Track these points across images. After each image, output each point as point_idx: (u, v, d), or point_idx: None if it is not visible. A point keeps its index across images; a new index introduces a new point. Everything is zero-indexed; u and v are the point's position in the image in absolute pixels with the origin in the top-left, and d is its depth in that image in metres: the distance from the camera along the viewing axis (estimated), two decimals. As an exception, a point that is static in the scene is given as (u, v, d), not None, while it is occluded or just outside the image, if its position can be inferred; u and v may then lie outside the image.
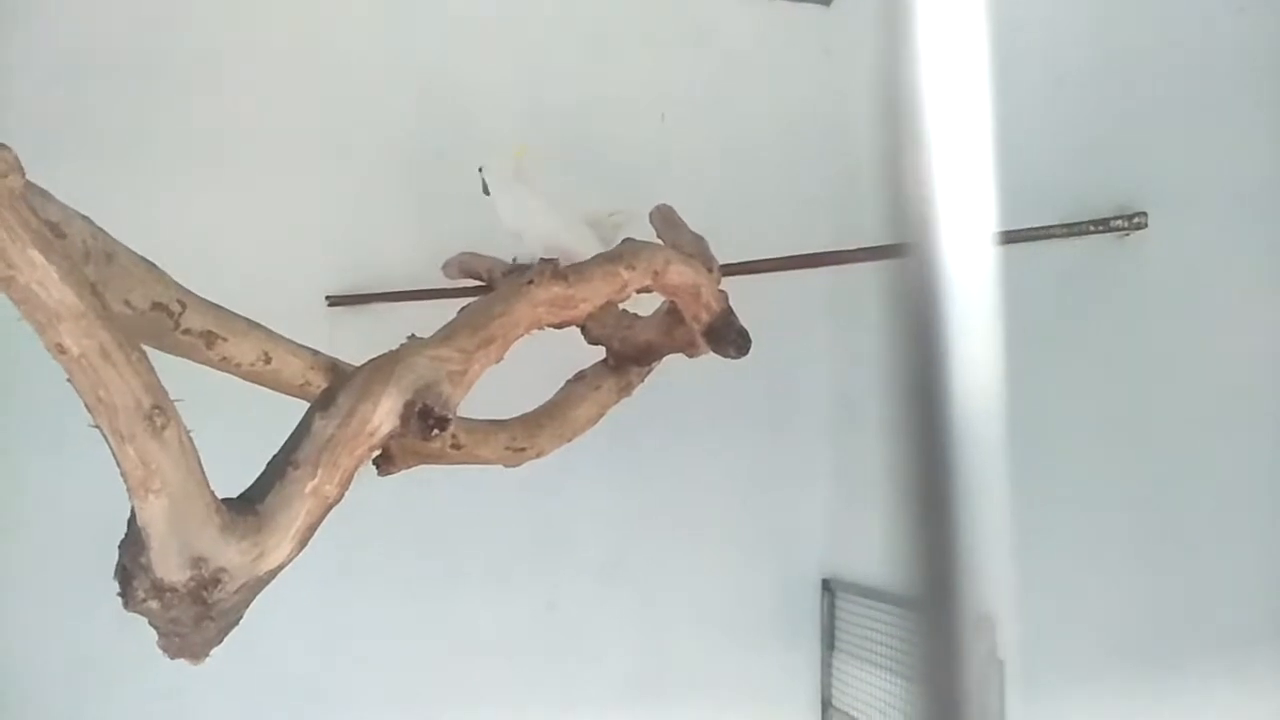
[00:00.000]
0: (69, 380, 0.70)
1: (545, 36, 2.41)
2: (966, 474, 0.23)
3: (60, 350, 0.67)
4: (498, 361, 0.96)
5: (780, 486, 2.39)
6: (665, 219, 1.51)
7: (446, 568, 2.29)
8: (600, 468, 2.23)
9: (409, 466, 1.29)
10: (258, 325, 1.08)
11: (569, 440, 1.45)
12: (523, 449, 1.38)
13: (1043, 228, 1.87)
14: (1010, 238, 1.93)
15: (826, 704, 2.47)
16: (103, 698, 2.09)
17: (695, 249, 1.43)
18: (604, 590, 2.35)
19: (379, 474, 1.24)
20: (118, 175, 2.12)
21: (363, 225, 2.33)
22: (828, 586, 2.46)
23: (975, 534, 0.25)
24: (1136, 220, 1.83)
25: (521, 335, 1.00)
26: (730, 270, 1.61)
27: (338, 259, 2.33)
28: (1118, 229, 1.82)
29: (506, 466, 1.42)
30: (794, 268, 1.91)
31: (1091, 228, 1.83)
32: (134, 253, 0.91)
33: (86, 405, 0.70)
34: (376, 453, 0.99)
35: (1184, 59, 1.70)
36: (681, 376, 1.70)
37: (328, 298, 2.29)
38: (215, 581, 0.73)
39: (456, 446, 1.31)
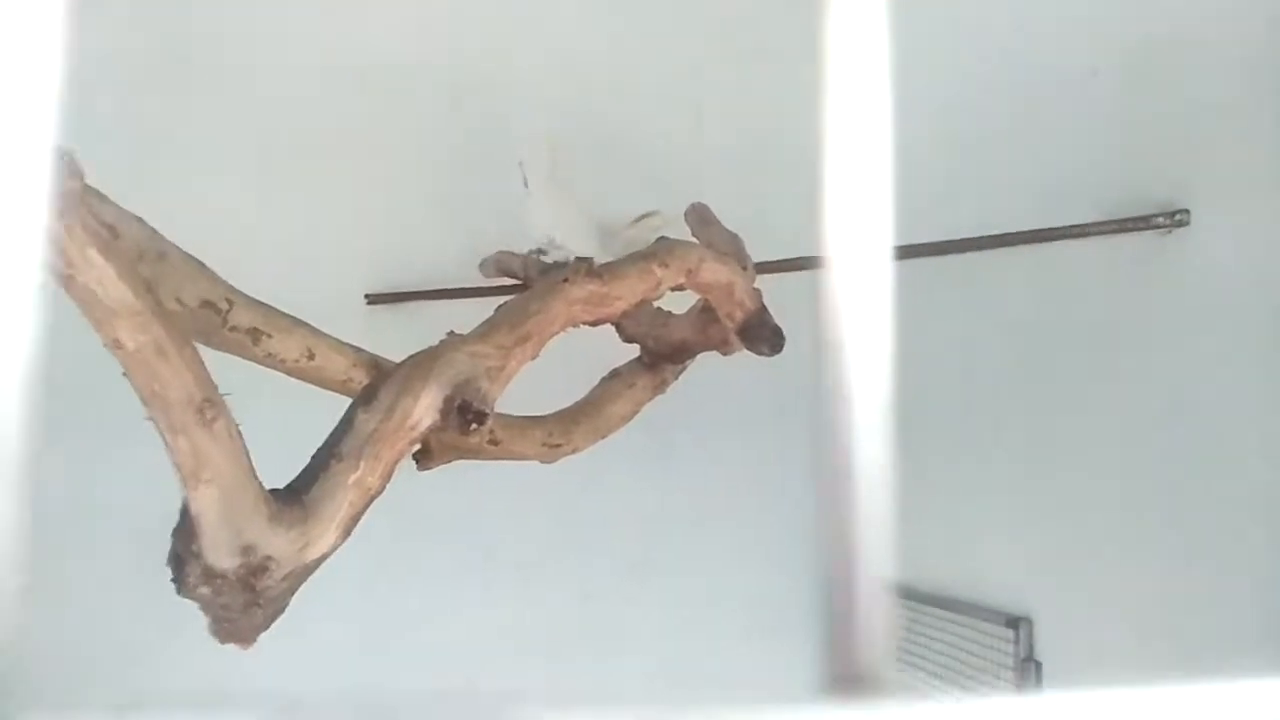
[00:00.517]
0: (124, 375, 0.74)
1: (579, 31, 2.44)
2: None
3: (117, 345, 0.71)
4: (534, 358, 0.99)
5: (809, 486, 2.41)
6: (700, 217, 1.54)
7: (482, 560, 2.34)
8: (633, 464, 2.26)
9: (447, 462, 1.33)
10: (302, 323, 1.12)
11: (604, 436, 1.48)
12: (559, 445, 1.41)
13: (1082, 225, 1.88)
14: (1049, 235, 1.95)
15: None
16: (150, 686, 2.16)
17: (730, 247, 1.46)
18: (635, 585, 2.39)
19: (418, 469, 1.28)
20: (162, 178, 2.18)
21: (400, 224, 2.37)
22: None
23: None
24: (1178, 217, 1.83)
25: (557, 332, 1.03)
26: (766, 268, 1.64)
27: (376, 258, 2.38)
28: (1160, 226, 1.82)
29: (543, 463, 1.46)
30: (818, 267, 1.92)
31: (1133, 225, 1.83)
32: (184, 252, 0.95)
33: (141, 398, 0.74)
34: (416, 447, 1.02)
35: (1227, 52, 1.70)
36: (714, 374, 1.72)
37: (367, 296, 2.34)
38: (263, 569, 0.77)
39: (494, 442, 1.35)
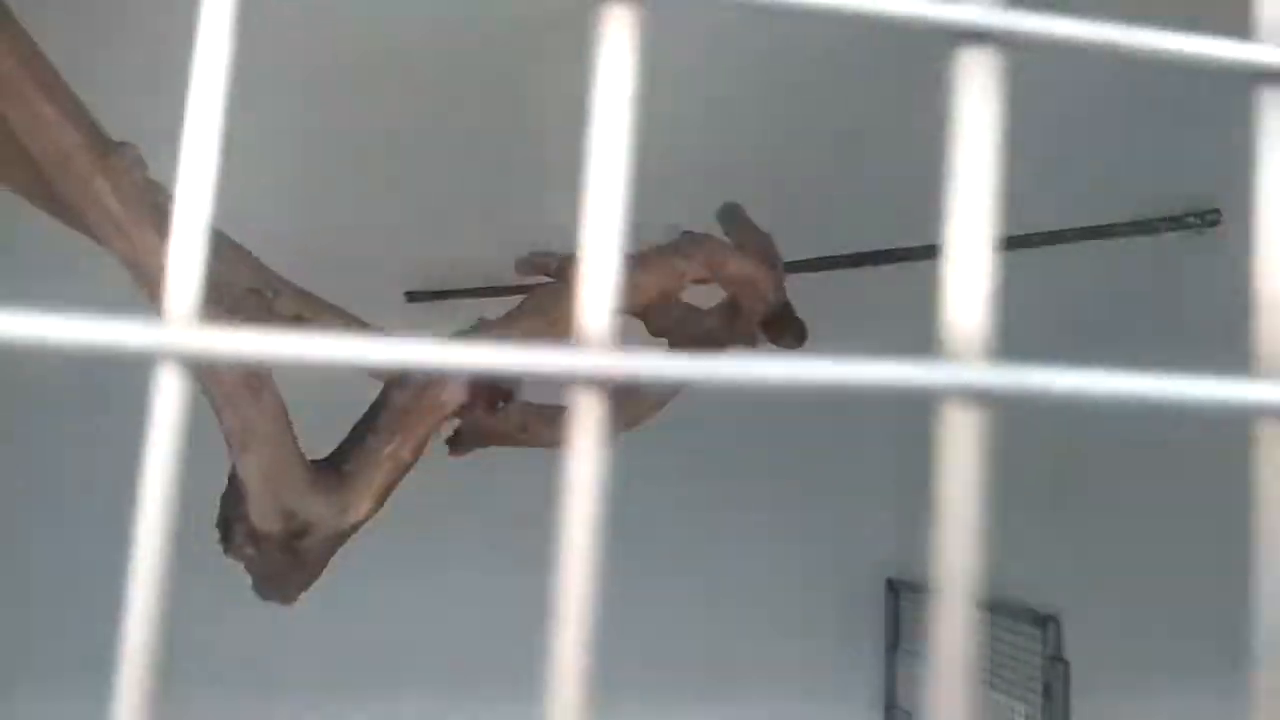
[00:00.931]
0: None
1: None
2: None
3: (149, 283, 0.79)
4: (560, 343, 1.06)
5: (848, 484, 2.46)
6: (731, 215, 1.60)
7: (519, 553, 2.41)
8: (669, 460, 2.32)
9: (479, 447, 1.40)
10: (342, 311, 1.20)
11: (631, 427, 1.54)
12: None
13: (1112, 225, 1.91)
14: (1079, 235, 1.98)
15: (890, 704, 2.52)
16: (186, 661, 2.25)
17: (759, 245, 1.51)
18: (671, 581, 2.44)
19: (450, 454, 1.35)
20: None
21: (441, 224, 2.45)
22: (892, 586, 2.51)
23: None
24: (1210, 217, 1.85)
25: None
26: (795, 267, 1.69)
27: (417, 257, 2.46)
28: (1191, 226, 1.85)
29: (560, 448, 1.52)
30: (851, 265, 1.98)
31: (1163, 225, 1.87)
32: (233, 241, 1.03)
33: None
34: (448, 427, 1.09)
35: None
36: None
37: (407, 294, 2.42)
38: (304, 532, 0.84)
39: (523, 429, 1.42)
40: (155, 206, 0.80)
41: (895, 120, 1.93)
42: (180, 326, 0.19)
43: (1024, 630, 2.05)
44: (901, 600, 2.52)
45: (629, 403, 1.48)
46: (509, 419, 1.42)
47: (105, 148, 0.78)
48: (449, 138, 2.45)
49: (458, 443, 1.37)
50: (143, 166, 0.77)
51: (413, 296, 2.42)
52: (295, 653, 2.20)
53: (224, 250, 1.06)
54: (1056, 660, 2.00)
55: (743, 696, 2.46)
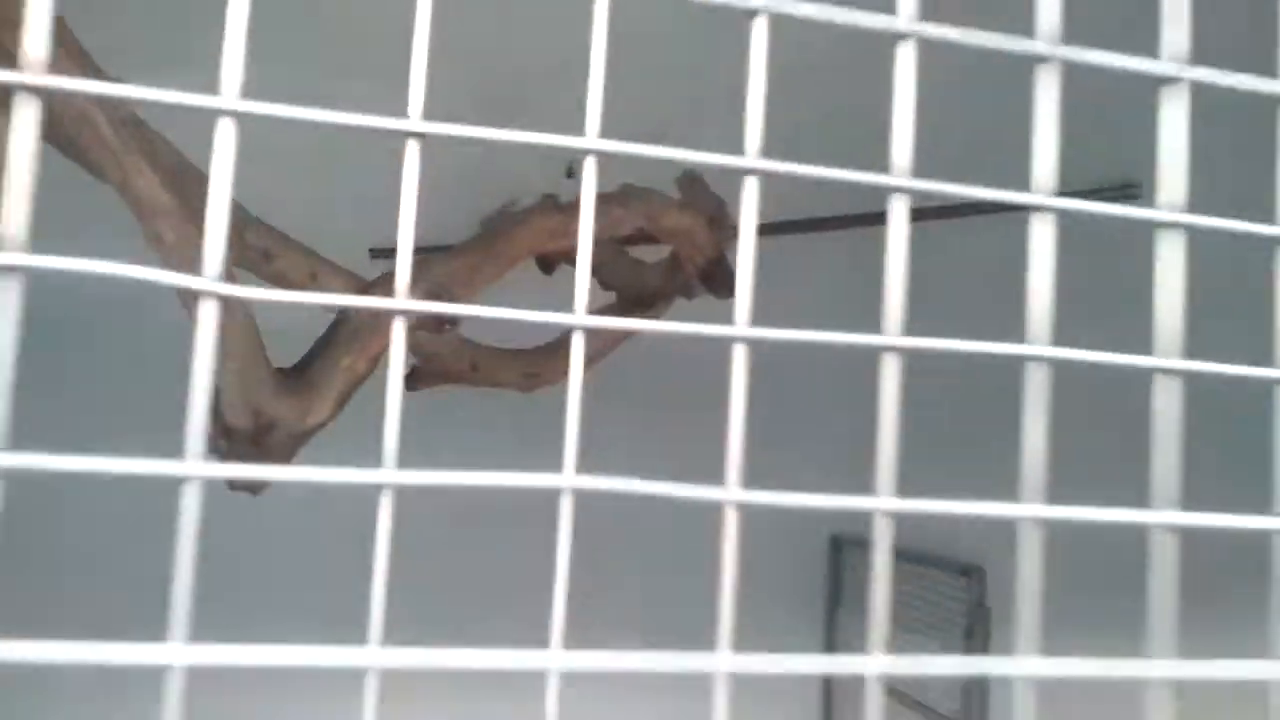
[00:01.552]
0: (164, 267, 0.96)
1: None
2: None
3: (159, 240, 0.94)
4: (499, 276, 1.21)
5: (792, 441, 2.62)
6: (688, 179, 1.76)
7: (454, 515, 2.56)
8: (612, 415, 2.46)
9: (434, 385, 1.55)
10: (307, 249, 1.34)
11: (589, 364, 1.69)
12: (535, 375, 1.63)
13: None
14: (1007, 208, 2.11)
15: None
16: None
17: (705, 205, 1.67)
18: (613, 537, 2.59)
19: (406, 389, 1.50)
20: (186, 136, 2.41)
21: (392, 179, 2.57)
22: (836, 543, 2.68)
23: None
24: (1130, 191, 2.02)
25: (524, 255, 1.25)
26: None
27: (381, 215, 2.59)
28: (1111, 198, 2.01)
29: (520, 392, 1.68)
30: (794, 231, 2.13)
31: (1084, 198, 1.99)
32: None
33: (178, 289, 0.96)
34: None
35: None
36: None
37: (371, 250, 2.56)
38: (270, 429, 0.99)
39: (475, 368, 1.57)
40: (144, 139, 0.94)
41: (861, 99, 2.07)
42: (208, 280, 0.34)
43: (951, 580, 2.23)
44: (844, 556, 2.68)
45: (627, 314, 1.64)
46: (461, 358, 1.57)
47: (100, 77, 0.92)
48: (412, 100, 2.57)
49: (414, 379, 1.52)
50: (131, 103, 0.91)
51: (376, 253, 2.56)
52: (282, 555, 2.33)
53: (203, 186, 1.20)
54: (979, 607, 2.17)
55: (684, 648, 2.61)
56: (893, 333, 0.38)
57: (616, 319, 0.41)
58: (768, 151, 0.43)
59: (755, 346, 0.39)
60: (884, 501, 0.38)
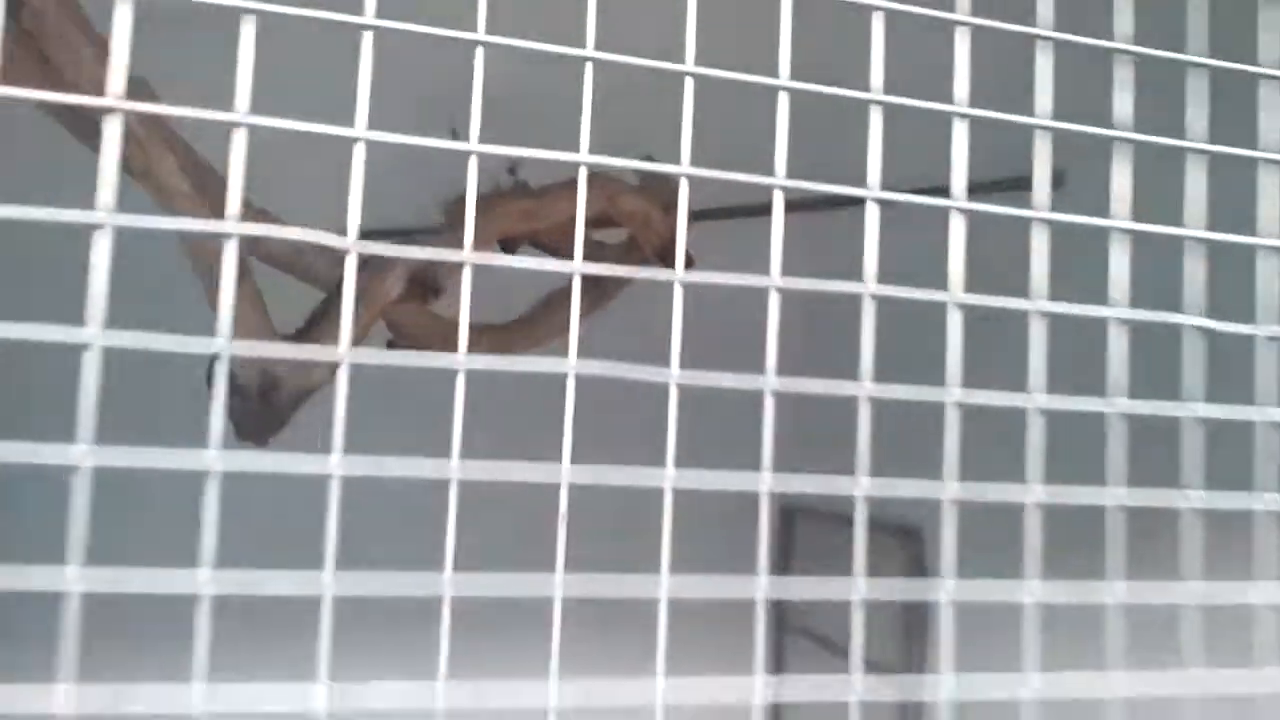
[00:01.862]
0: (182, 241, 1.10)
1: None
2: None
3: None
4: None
5: (743, 410, 2.78)
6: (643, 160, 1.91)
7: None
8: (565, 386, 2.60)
9: (414, 349, 1.70)
10: (290, 229, 1.48)
11: (539, 346, 1.85)
12: (505, 347, 1.78)
13: (974, 184, 2.23)
14: (940, 192, 2.28)
15: (781, 621, 2.86)
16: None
17: (662, 192, 1.83)
18: (571, 506, 2.74)
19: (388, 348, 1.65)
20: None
21: (371, 172, 2.71)
22: (787, 512, 2.85)
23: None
24: (1055, 177, 2.17)
25: (496, 237, 1.40)
26: (699, 215, 2.00)
27: (349, 199, 2.71)
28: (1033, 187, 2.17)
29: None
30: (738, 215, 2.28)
31: (1011, 185, 2.17)
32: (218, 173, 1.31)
33: (194, 263, 1.10)
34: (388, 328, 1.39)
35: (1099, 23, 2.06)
36: (647, 304, 2.09)
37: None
38: (275, 387, 1.13)
39: (447, 342, 1.72)
40: (165, 132, 1.08)
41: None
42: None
43: (888, 540, 2.40)
44: (796, 526, 2.85)
45: (587, 292, 1.79)
46: (434, 332, 1.72)
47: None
48: (385, 88, 2.70)
49: (395, 346, 1.67)
50: (155, 97, 1.05)
51: (362, 235, 2.69)
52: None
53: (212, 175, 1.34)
54: (917, 567, 2.35)
55: (638, 617, 2.76)
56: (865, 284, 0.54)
57: (610, 266, 0.57)
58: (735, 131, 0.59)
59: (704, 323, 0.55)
60: (861, 481, 0.54)
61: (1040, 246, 0.89)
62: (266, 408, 1.13)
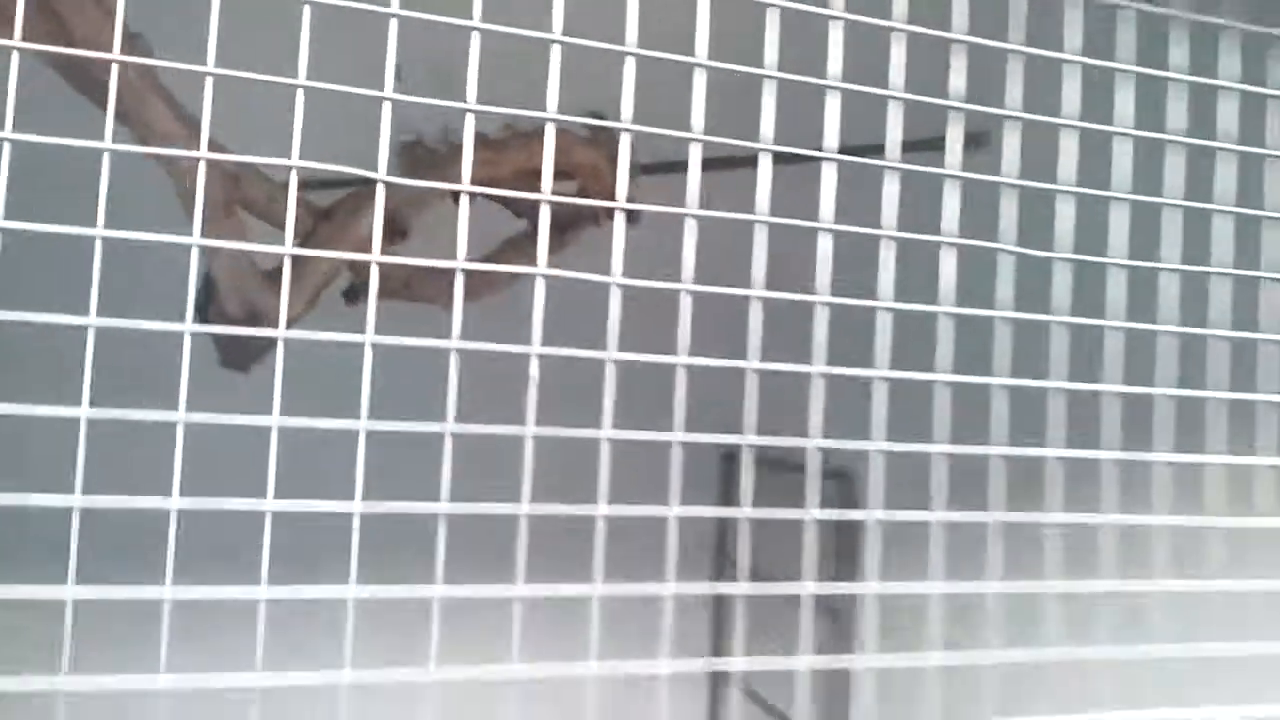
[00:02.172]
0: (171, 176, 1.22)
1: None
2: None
3: (170, 162, 1.19)
4: (440, 202, 1.48)
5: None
6: (595, 117, 2.04)
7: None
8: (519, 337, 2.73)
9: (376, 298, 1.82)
10: (269, 179, 1.59)
11: (496, 291, 1.97)
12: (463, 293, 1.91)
13: (879, 145, 2.37)
14: (872, 151, 2.42)
15: (723, 567, 3.02)
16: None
17: (610, 144, 1.95)
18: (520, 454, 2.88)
19: (346, 305, 1.77)
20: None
21: (321, 117, 2.79)
22: (728, 459, 3.00)
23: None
24: (980, 139, 2.32)
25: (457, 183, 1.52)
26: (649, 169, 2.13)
27: (330, 149, 2.79)
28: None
29: (444, 309, 1.95)
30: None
31: (937, 144, 2.32)
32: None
33: (184, 202, 1.22)
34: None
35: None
36: (593, 258, 2.22)
37: (320, 182, 2.78)
38: (257, 318, 1.25)
39: (408, 286, 1.84)
40: (155, 80, 1.19)
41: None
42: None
43: (823, 484, 2.55)
44: (736, 473, 2.99)
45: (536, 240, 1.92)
46: (395, 276, 1.84)
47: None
48: (330, 40, 2.78)
49: (354, 295, 1.79)
50: (149, 50, 1.16)
51: (324, 185, 2.79)
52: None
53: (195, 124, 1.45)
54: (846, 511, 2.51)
55: (581, 554, 2.90)
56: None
57: (575, 199, 0.71)
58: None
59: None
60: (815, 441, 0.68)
61: (891, 195, 1.06)
62: (251, 339, 1.25)
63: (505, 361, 0.96)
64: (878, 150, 1.04)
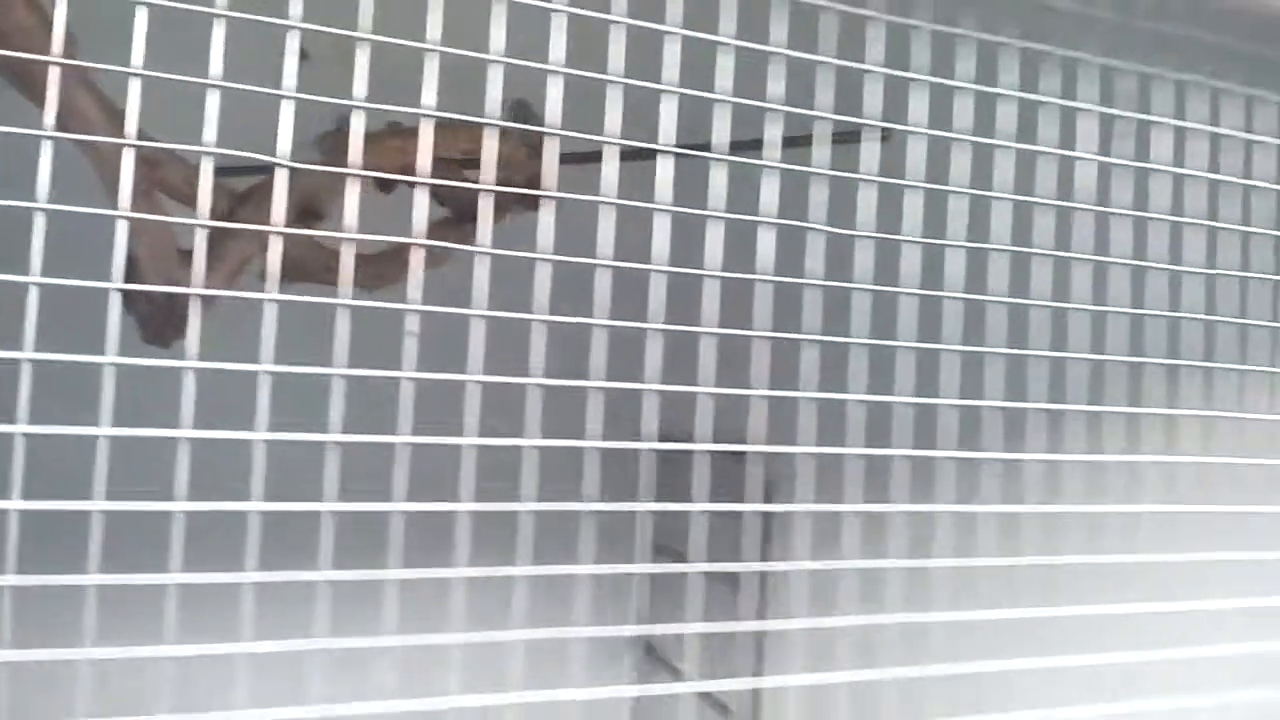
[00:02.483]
0: (95, 169, 1.30)
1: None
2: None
3: (93, 148, 1.28)
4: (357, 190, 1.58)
5: (612, 345, 3.00)
6: (517, 106, 2.14)
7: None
8: (447, 322, 2.82)
9: (296, 282, 1.91)
10: (187, 164, 1.68)
11: (409, 267, 2.07)
12: (380, 275, 2.01)
13: (802, 137, 2.49)
14: (756, 145, 2.53)
15: (659, 544, 3.13)
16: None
17: (528, 135, 2.06)
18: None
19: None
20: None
21: (241, 104, 2.85)
22: (663, 437, 3.11)
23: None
24: (883, 133, 2.46)
25: (372, 171, 1.62)
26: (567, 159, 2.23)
27: (226, 138, 2.86)
28: (858, 140, 2.45)
29: (365, 289, 2.05)
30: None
31: (844, 138, 2.45)
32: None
33: (107, 187, 1.31)
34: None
35: None
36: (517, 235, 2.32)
37: (217, 170, 2.84)
38: (178, 295, 1.34)
39: (329, 269, 1.94)
40: (83, 73, 1.28)
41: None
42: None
43: (737, 465, 2.67)
44: (669, 454, 3.10)
45: (454, 226, 2.02)
46: (319, 260, 1.94)
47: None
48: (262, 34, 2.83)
49: (280, 277, 1.88)
50: (76, 45, 1.24)
51: (240, 170, 2.85)
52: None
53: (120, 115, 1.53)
54: (770, 486, 2.63)
55: (507, 537, 2.98)
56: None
57: (515, 189, 0.82)
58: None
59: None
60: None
61: (719, 186, 1.24)
62: (173, 315, 1.34)
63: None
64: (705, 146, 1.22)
